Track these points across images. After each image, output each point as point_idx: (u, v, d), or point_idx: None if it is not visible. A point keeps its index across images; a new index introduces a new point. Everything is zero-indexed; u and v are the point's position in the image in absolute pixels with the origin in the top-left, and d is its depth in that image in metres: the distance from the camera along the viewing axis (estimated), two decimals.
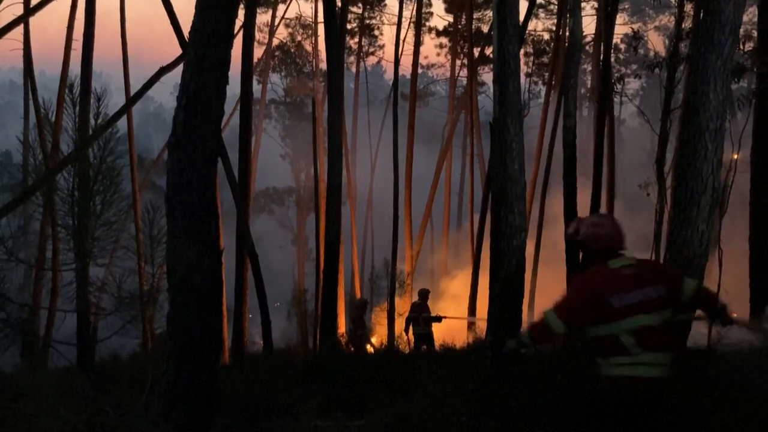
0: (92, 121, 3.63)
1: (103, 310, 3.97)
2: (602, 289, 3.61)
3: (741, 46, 9.75)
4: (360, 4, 38.41)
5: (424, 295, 14.83)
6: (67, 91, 4.10)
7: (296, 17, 38.34)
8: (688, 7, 13.67)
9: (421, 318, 14.06)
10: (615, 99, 18.27)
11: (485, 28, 35.48)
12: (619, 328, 3.54)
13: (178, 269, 4.73)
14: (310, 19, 36.95)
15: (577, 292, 3.81)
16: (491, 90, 9.87)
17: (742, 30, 7.35)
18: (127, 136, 21.73)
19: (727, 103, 7.21)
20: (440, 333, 14.64)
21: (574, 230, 4.03)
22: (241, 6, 14.68)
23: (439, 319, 13.73)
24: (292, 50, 38.73)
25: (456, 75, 38.21)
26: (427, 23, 38.64)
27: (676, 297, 3.67)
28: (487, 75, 38.96)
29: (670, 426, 3.56)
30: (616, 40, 35.21)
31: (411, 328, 14.29)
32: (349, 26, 36.06)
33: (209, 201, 4.97)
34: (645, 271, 3.69)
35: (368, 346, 13.90)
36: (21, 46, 19.73)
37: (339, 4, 15.25)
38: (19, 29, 18.00)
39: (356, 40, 40.42)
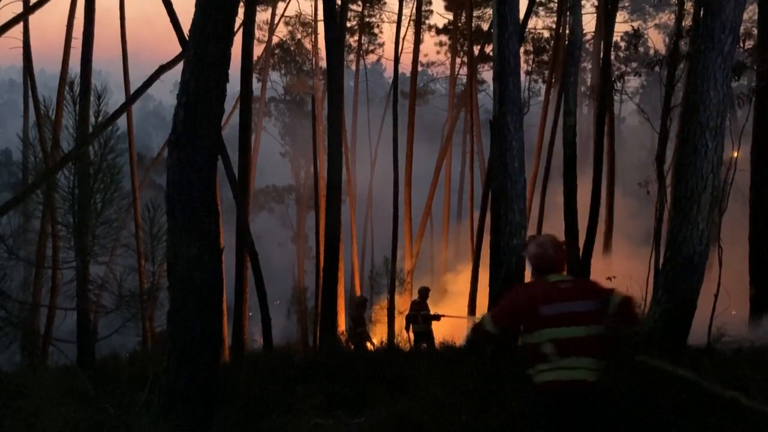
0: (92, 119, 3.62)
1: (104, 308, 3.97)
2: (536, 298, 3.93)
3: (741, 44, 9.75)
4: (360, 2, 38.39)
5: (424, 293, 14.81)
6: (67, 88, 4.10)
7: (296, 15, 38.32)
8: (689, 5, 13.67)
9: (420, 316, 14.06)
10: (615, 97, 18.26)
11: (485, 26, 35.45)
12: (542, 336, 3.83)
13: (178, 267, 4.73)
14: (310, 17, 36.94)
15: (512, 298, 4.16)
16: (491, 88, 9.87)
17: (742, 28, 7.36)
18: (126, 134, 21.74)
19: (728, 101, 7.21)
20: (441, 331, 14.64)
21: (524, 247, 4.36)
22: (241, 4, 14.67)
23: (437, 317, 13.78)
24: (292, 48, 38.70)
25: (456, 73, 38.19)
26: (427, 21, 38.63)
27: (606, 310, 3.89)
28: (487, 73, 38.93)
29: (600, 424, 3.76)
30: (616, 38, 35.18)
31: (411, 326, 14.30)
32: (348, 24, 36.05)
33: (209, 199, 4.97)
34: (578, 287, 4.03)
35: (368, 344, 13.90)
36: (21, 44, 19.73)
37: (339, 2, 15.23)
38: (19, 27, 17.98)
39: (356, 38, 40.38)
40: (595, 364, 3.80)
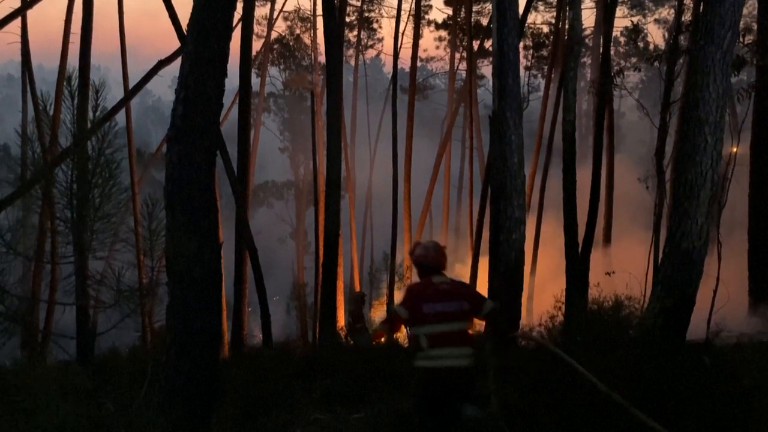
0: (91, 114, 3.61)
1: (103, 304, 3.96)
2: (421, 296, 4.72)
3: (741, 39, 9.74)
4: None
5: None
6: (65, 83, 4.08)
7: (295, 10, 38.20)
8: (688, 0, 13.65)
9: None
10: (615, 92, 18.24)
11: (485, 21, 35.37)
12: (421, 330, 4.63)
13: (177, 263, 4.73)
14: (309, 12, 36.84)
15: (406, 294, 4.89)
16: (491, 83, 9.87)
17: (741, 23, 7.34)
18: (125, 129, 21.70)
19: (727, 96, 7.20)
20: None
21: (411, 250, 5.11)
22: None
23: None
24: (291, 43, 38.59)
25: (455, 68, 38.13)
26: (426, 16, 38.54)
27: (477, 311, 4.79)
28: (486, 68, 38.84)
29: (463, 399, 4.60)
30: (615, 33, 35.13)
31: None
32: (347, 19, 35.98)
33: (208, 194, 4.96)
34: (454, 289, 4.80)
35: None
36: (19, 39, 19.69)
37: None
38: (17, 22, 17.96)
39: (355, 33, 40.29)
40: (461, 352, 4.62)
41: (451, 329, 4.65)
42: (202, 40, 4.96)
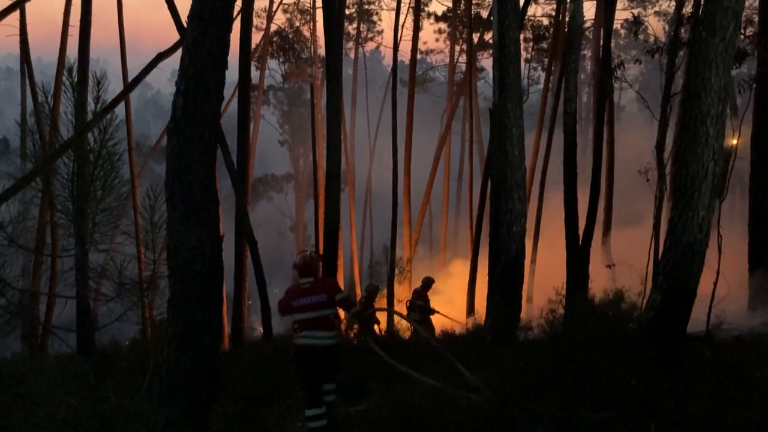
0: (92, 105, 3.59)
1: (105, 296, 3.96)
2: (291, 294, 6.51)
3: (742, 31, 9.70)
4: None
5: (427, 283, 14.77)
6: (66, 74, 4.06)
7: (294, 2, 38.01)
8: None
9: (417, 305, 14.12)
10: (615, 85, 18.19)
11: (485, 13, 35.24)
12: (294, 318, 6.42)
13: (178, 254, 4.72)
14: (309, 5, 36.67)
15: (285, 295, 6.59)
16: (491, 76, 9.84)
17: (743, 15, 7.31)
18: (124, 122, 21.65)
19: (729, 88, 7.18)
20: (440, 318, 14.70)
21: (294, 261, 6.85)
22: None
23: (432, 312, 13.97)
24: (291, 36, 38.45)
25: (455, 61, 38.02)
26: (426, 8, 38.38)
27: (334, 300, 6.47)
28: (486, 61, 38.77)
29: (328, 368, 6.45)
30: (615, 25, 35.01)
31: (409, 314, 14.31)
32: (347, 11, 35.83)
33: (209, 185, 4.95)
34: (315, 287, 6.48)
35: (376, 327, 13.97)
36: (17, 31, 19.61)
37: None
38: (16, 14, 17.88)
39: (355, 25, 40.16)
40: (322, 334, 6.34)
41: (313, 316, 6.36)
42: (202, 32, 4.94)
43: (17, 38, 19.83)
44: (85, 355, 8.68)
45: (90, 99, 3.61)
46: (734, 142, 10.02)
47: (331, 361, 6.43)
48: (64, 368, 5.14)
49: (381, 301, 19.38)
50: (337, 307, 6.56)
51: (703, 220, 7.00)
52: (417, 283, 15.33)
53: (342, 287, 7.18)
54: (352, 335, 10.28)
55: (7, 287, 3.57)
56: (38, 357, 8.14)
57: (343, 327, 7.28)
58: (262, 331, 14.72)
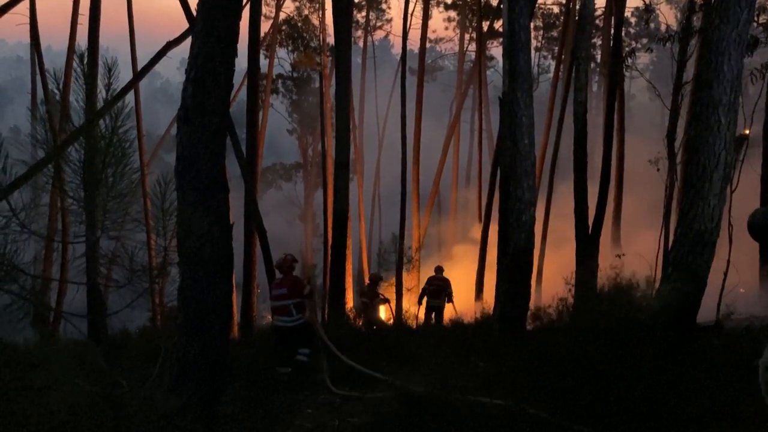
0: (104, 92, 3.60)
1: (116, 282, 3.98)
2: (273, 286, 8.79)
3: (755, 19, 9.60)
4: None
5: (438, 271, 15.24)
6: (77, 60, 4.06)
7: None
8: None
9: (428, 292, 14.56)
10: (625, 73, 18.05)
11: (494, 1, 34.94)
12: (270, 305, 8.61)
13: (188, 242, 4.74)
14: None
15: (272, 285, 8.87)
16: (500, 65, 9.80)
17: (756, 2, 7.24)
18: (134, 110, 21.65)
19: (741, 76, 7.12)
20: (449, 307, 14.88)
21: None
22: None
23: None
24: (299, 24, 38.31)
25: (464, 49, 37.84)
26: None
27: (300, 293, 8.39)
28: (495, 49, 38.53)
29: (296, 342, 8.30)
30: (626, 13, 34.70)
31: (425, 299, 14.66)
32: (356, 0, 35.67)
33: (219, 173, 4.96)
34: (284, 281, 8.56)
35: (387, 308, 14.37)
36: (27, 20, 19.64)
37: None
38: (25, 3, 17.93)
39: (363, 13, 39.99)
40: (286, 318, 8.30)
41: (278, 305, 8.39)
42: (212, 19, 4.93)
43: (27, 27, 19.87)
44: (97, 340, 8.75)
45: (102, 85, 3.62)
46: (746, 131, 9.94)
47: (292, 336, 8.30)
48: (76, 354, 5.19)
49: (389, 290, 19.43)
50: (300, 299, 8.36)
51: (714, 210, 6.97)
52: (426, 273, 15.73)
53: (308, 284, 8.77)
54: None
55: (19, 273, 3.59)
56: (50, 343, 8.21)
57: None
58: (270, 319, 14.79)
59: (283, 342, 8.33)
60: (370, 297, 13.93)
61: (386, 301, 14.45)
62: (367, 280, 17.41)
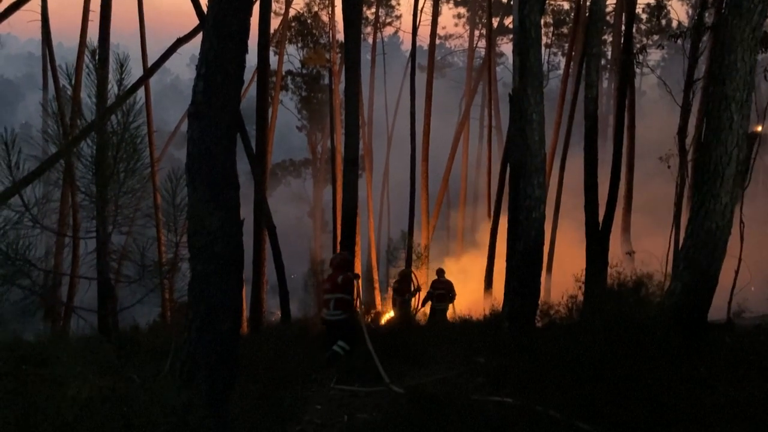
0: (115, 88, 3.62)
1: (127, 278, 4.01)
2: (324, 280, 9.89)
3: None
4: None
5: (440, 273, 15.68)
6: (89, 56, 4.07)
7: None
8: None
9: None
10: (636, 70, 17.95)
11: None
12: (323, 298, 9.52)
13: (199, 238, 4.75)
14: None
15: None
16: (510, 61, 9.77)
17: None
18: (144, 107, 21.72)
19: (754, 73, 7.06)
20: (458, 305, 15.10)
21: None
22: None
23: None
24: (309, 21, 38.34)
25: (474, 46, 37.73)
26: None
27: (340, 288, 9.06)
28: (505, 46, 38.47)
29: (339, 333, 8.95)
30: (637, 9, 34.45)
31: (429, 302, 15.11)
32: None
33: (230, 169, 4.96)
34: (332, 276, 9.28)
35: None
36: (39, 17, 19.76)
37: None
38: (37, 0, 18.02)
39: (373, 10, 39.95)
40: (331, 311, 9.05)
41: (324, 298, 9.38)
42: (222, 15, 4.93)
43: (39, 24, 19.99)
44: (108, 335, 8.79)
45: (114, 80, 3.64)
46: (758, 128, 9.87)
47: (332, 329, 9.02)
48: (88, 349, 5.21)
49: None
50: (340, 294, 9.02)
51: (726, 207, 6.92)
52: (436, 267, 16.29)
53: (348, 279, 9.24)
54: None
55: (32, 268, 3.62)
56: (62, 338, 8.27)
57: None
58: (280, 314, 14.83)
59: (328, 332, 9.19)
60: (401, 293, 14.68)
61: (417, 291, 15.71)
62: (376, 277, 17.80)
